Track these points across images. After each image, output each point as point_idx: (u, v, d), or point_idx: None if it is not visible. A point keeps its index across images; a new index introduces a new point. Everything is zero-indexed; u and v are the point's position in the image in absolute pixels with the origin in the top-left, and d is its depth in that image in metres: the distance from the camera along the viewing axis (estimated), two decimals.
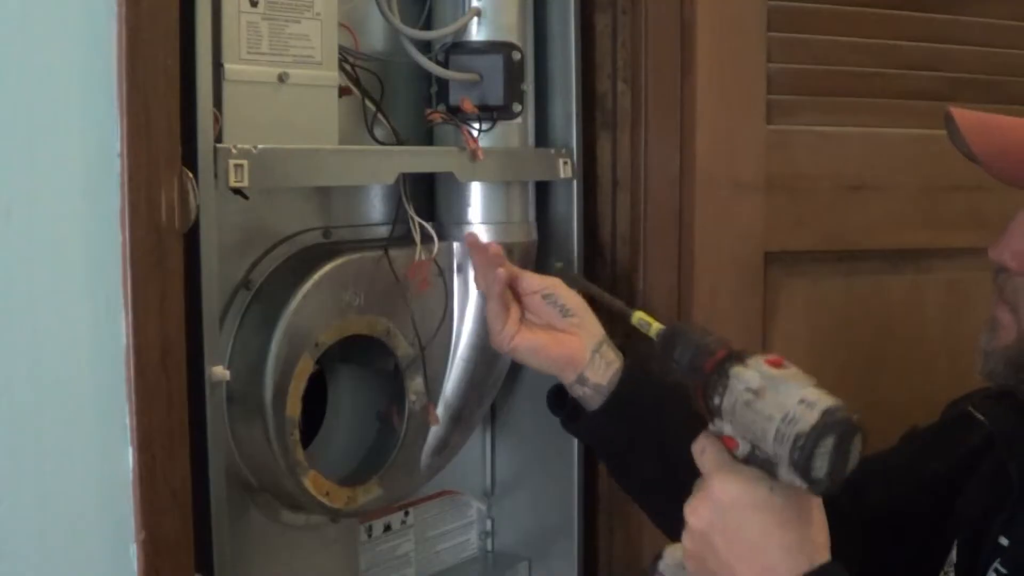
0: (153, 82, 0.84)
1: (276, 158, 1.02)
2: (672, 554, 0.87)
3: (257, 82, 1.02)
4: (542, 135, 1.32)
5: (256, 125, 1.02)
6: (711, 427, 0.84)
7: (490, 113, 1.21)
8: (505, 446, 1.40)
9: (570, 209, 1.33)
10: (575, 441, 1.31)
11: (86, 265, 0.83)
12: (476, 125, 1.21)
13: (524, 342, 1.10)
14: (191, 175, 0.90)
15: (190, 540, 0.88)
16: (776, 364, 0.81)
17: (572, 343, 1.10)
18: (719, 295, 1.41)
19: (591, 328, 1.12)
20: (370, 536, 1.28)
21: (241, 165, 0.98)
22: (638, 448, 1.10)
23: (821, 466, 0.75)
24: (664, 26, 1.37)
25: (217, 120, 0.98)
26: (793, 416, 0.76)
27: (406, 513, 1.32)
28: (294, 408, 1.09)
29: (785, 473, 0.77)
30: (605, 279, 1.37)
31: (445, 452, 1.27)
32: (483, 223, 1.24)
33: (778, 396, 0.77)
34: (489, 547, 1.43)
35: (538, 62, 1.29)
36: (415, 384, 1.20)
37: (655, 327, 0.94)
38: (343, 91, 1.12)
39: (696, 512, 0.83)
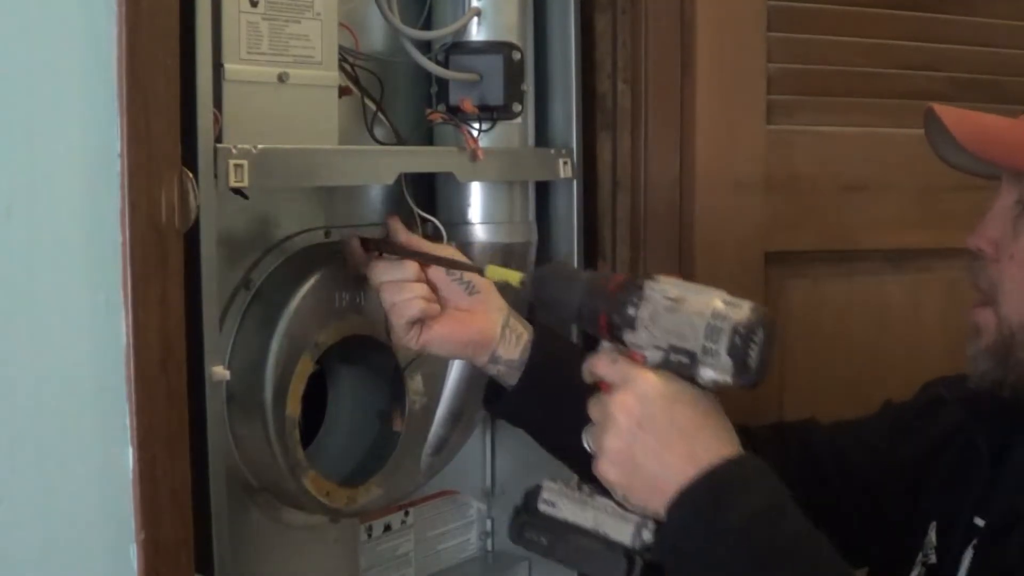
0: (153, 82, 0.84)
1: (276, 158, 1.02)
2: (550, 485, 0.89)
3: (257, 82, 1.02)
4: (542, 135, 1.32)
5: (256, 125, 1.02)
6: (611, 345, 0.87)
7: (490, 113, 1.21)
8: (505, 446, 1.40)
9: (570, 209, 1.33)
10: None
11: (86, 265, 0.83)
12: (476, 125, 1.21)
13: (432, 336, 1.06)
14: (191, 175, 0.90)
15: (190, 540, 0.88)
16: (680, 278, 0.86)
17: (479, 322, 1.07)
18: None
19: (497, 303, 1.08)
20: (370, 536, 1.28)
21: (241, 165, 0.98)
22: (564, 417, 1.06)
23: (754, 357, 0.79)
24: (664, 26, 1.37)
25: (217, 120, 0.98)
26: (724, 313, 0.81)
27: (406, 513, 1.32)
28: (294, 408, 1.09)
29: (709, 371, 0.82)
30: None
31: (445, 452, 1.27)
32: (483, 223, 1.25)
33: (700, 299, 0.82)
34: (489, 547, 1.43)
35: (538, 62, 1.29)
36: (415, 384, 1.20)
37: (516, 276, 0.95)
38: (343, 91, 1.12)
39: (625, 407, 0.84)
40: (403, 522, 1.32)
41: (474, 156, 1.19)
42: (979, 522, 0.97)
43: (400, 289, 1.06)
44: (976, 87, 1.50)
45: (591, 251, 1.36)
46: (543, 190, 1.33)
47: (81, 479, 0.84)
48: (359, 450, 1.22)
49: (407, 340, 1.06)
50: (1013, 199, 0.96)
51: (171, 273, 0.86)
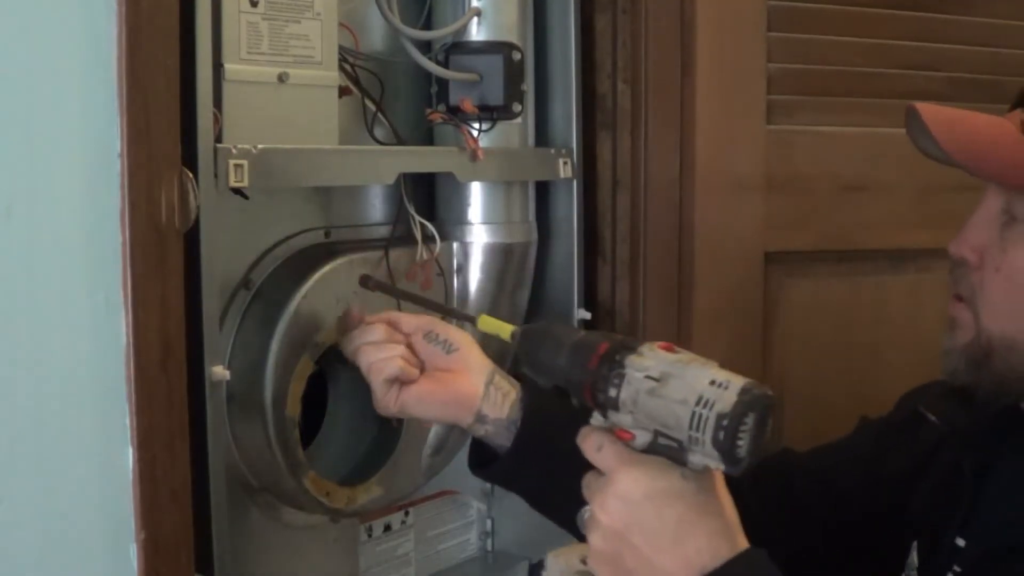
0: (153, 82, 0.84)
1: (276, 158, 1.02)
2: (556, 562, 0.84)
3: (257, 82, 1.02)
4: (542, 135, 1.32)
5: (256, 125, 1.02)
6: (599, 421, 0.81)
7: (490, 113, 1.21)
8: None
9: (570, 209, 1.33)
10: None
11: (86, 265, 0.83)
12: (476, 125, 1.21)
13: (409, 397, 1.01)
14: (191, 175, 0.90)
15: (190, 540, 0.88)
16: (669, 349, 0.78)
17: (459, 382, 1.01)
18: (719, 295, 1.41)
19: (478, 360, 1.02)
20: (370, 536, 1.28)
21: (241, 165, 0.98)
22: (562, 484, 0.99)
23: (744, 445, 0.73)
24: (664, 26, 1.37)
25: (217, 120, 0.98)
26: (708, 399, 0.73)
27: (406, 513, 1.32)
28: (294, 408, 1.09)
29: (699, 457, 0.75)
30: (605, 279, 1.37)
31: (445, 452, 1.27)
32: (483, 223, 1.25)
33: (685, 380, 0.75)
34: (489, 547, 1.43)
35: (538, 62, 1.30)
36: None
37: (507, 329, 0.89)
38: (343, 91, 1.12)
39: (607, 510, 0.78)
40: (403, 522, 1.32)
41: (474, 156, 1.19)
42: (960, 543, 0.94)
43: (377, 349, 1.01)
44: (976, 87, 1.51)
45: (591, 251, 1.36)
46: (543, 190, 1.33)
47: (81, 479, 0.84)
48: (359, 450, 1.22)
49: (386, 402, 1.01)
50: (999, 207, 0.92)
51: (171, 273, 0.86)
